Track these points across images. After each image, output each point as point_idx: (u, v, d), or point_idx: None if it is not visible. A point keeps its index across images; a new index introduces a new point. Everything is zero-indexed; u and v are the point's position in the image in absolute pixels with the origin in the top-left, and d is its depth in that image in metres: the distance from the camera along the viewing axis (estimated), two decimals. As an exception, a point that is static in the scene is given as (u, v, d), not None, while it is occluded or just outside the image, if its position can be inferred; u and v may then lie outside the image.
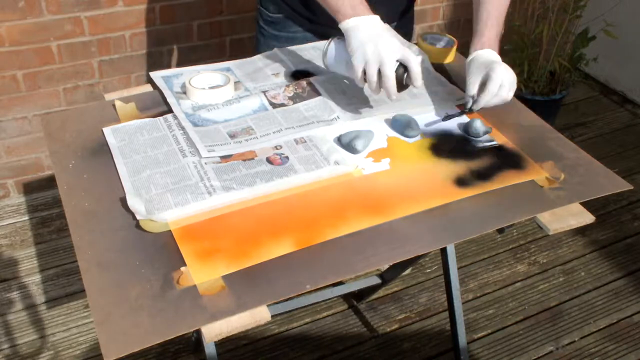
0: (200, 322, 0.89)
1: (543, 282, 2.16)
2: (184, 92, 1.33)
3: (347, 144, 1.20)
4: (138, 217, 1.03)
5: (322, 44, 1.48)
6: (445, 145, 1.24)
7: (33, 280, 2.08)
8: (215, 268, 0.96)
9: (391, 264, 1.77)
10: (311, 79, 1.36)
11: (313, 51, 1.48)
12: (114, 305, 0.91)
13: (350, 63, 1.20)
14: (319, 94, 1.33)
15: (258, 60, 1.46)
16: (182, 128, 1.23)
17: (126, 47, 2.23)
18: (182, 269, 0.96)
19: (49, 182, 2.38)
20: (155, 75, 1.39)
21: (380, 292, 2.07)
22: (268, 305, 0.92)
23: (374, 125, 1.27)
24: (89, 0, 2.09)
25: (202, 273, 0.95)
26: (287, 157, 1.17)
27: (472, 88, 1.26)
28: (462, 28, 2.72)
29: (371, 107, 1.31)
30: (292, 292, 0.95)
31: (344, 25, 1.21)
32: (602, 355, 1.92)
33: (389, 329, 1.99)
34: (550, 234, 1.10)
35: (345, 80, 1.35)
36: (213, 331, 0.89)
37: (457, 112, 1.29)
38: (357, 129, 1.24)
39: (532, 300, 2.09)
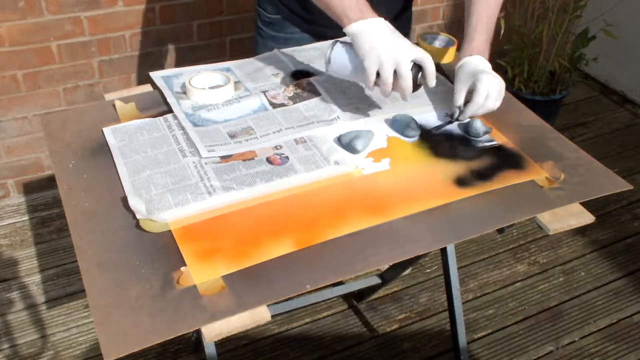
0: (200, 322, 0.89)
1: (543, 282, 2.16)
2: (184, 92, 1.33)
3: (347, 144, 1.20)
4: (138, 217, 1.03)
5: (321, 44, 1.49)
6: (445, 145, 1.24)
7: (33, 280, 2.08)
8: (215, 268, 0.96)
9: (391, 264, 1.77)
10: (311, 79, 1.36)
11: (313, 52, 1.48)
12: (114, 305, 0.91)
13: (359, 67, 1.19)
14: (319, 94, 1.33)
15: (258, 60, 1.46)
16: (182, 128, 1.23)
17: (126, 47, 2.23)
18: (182, 269, 0.96)
19: (49, 182, 2.38)
20: (155, 75, 1.39)
21: (380, 292, 2.07)
22: (268, 305, 0.92)
23: (374, 125, 1.27)
24: (89, 0, 2.09)
25: (202, 273, 0.95)
26: (287, 157, 1.17)
27: (459, 98, 1.26)
28: (462, 28, 2.72)
29: (371, 107, 1.31)
30: (292, 292, 0.95)
31: (350, 28, 1.19)
32: (602, 355, 1.92)
33: (389, 329, 1.99)
34: (550, 234, 1.10)
35: (343, 82, 1.34)
36: (213, 331, 0.89)
37: (446, 121, 1.29)
38: (357, 129, 1.24)
39: (532, 300, 2.09)
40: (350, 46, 1.22)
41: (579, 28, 2.67)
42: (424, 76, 1.20)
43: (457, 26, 2.76)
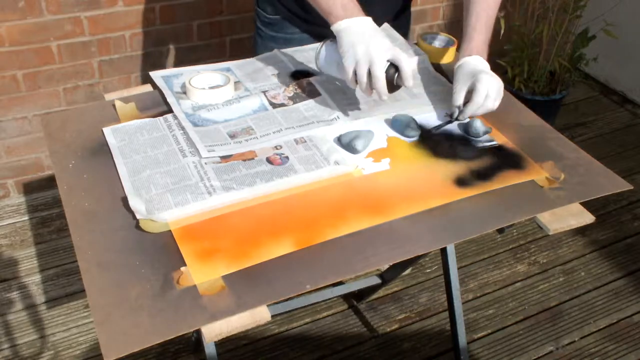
0: (200, 322, 0.89)
1: (543, 282, 2.16)
2: (184, 92, 1.33)
3: (347, 144, 1.20)
4: (138, 217, 1.03)
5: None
6: (445, 145, 1.24)
7: (33, 280, 2.08)
8: (215, 268, 0.96)
9: (391, 264, 1.77)
10: (311, 79, 1.36)
11: (312, 52, 1.48)
12: (114, 305, 0.91)
13: (342, 64, 1.20)
14: (319, 94, 1.32)
15: (258, 60, 1.46)
16: (182, 128, 1.23)
17: (126, 47, 2.23)
18: (182, 269, 0.96)
19: (49, 182, 2.38)
20: (155, 75, 1.39)
21: (380, 292, 2.07)
22: (268, 305, 0.92)
23: (374, 125, 1.27)
24: (89, 0, 2.09)
25: (202, 273, 0.95)
26: (287, 157, 1.17)
27: (459, 98, 1.27)
28: (462, 28, 2.72)
29: (371, 107, 1.31)
30: (292, 292, 0.95)
31: (336, 27, 1.21)
32: (602, 355, 1.92)
33: (389, 329, 1.99)
34: (550, 234, 1.10)
35: (337, 82, 1.34)
36: (213, 331, 0.89)
37: (445, 121, 1.29)
38: (357, 129, 1.24)
39: (532, 300, 2.09)
40: (336, 45, 1.23)
41: (579, 28, 2.67)
42: (400, 77, 1.20)
43: (457, 26, 2.75)
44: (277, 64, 1.43)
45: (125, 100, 1.32)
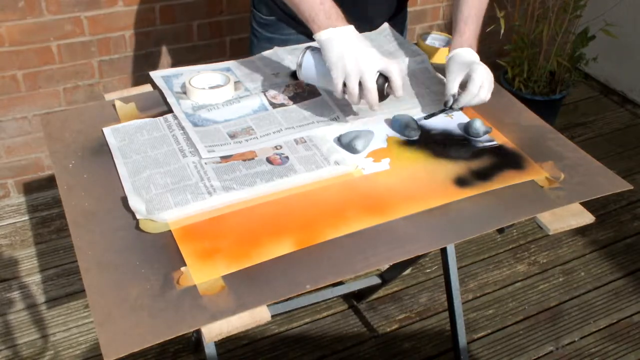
0: (200, 322, 0.89)
1: (543, 282, 2.16)
2: (184, 92, 1.33)
3: (347, 144, 1.20)
4: (138, 217, 1.03)
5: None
6: (445, 145, 1.24)
7: (33, 280, 2.08)
8: (216, 268, 0.96)
9: (391, 264, 1.77)
10: (311, 79, 1.36)
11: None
12: (114, 305, 0.91)
13: (328, 75, 1.19)
14: (319, 94, 1.32)
15: (258, 60, 1.46)
16: (182, 128, 1.23)
17: (126, 47, 2.24)
18: (182, 269, 0.96)
19: (49, 182, 2.38)
20: (155, 75, 1.39)
21: (380, 292, 2.07)
22: (268, 305, 0.92)
23: (374, 125, 1.27)
24: (89, 0, 2.09)
25: (202, 273, 0.95)
26: (287, 157, 1.17)
27: (453, 87, 1.27)
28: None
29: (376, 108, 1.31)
30: (292, 292, 0.95)
31: (319, 36, 1.19)
32: (602, 355, 1.92)
33: (389, 329, 1.99)
34: (550, 234, 1.10)
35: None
36: (213, 331, 0.89)
37: (439, 109, 1.30)
38: (357, 129, 1.24)
39: (532, 300, 2.09)
40: (320, 53, 1.21)
41: (578, 28, 2.67)
42: (390, 87, 1.19)
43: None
44: (277, 64, 1.43)
45: (125, 100, 1.32)
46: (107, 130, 1.23)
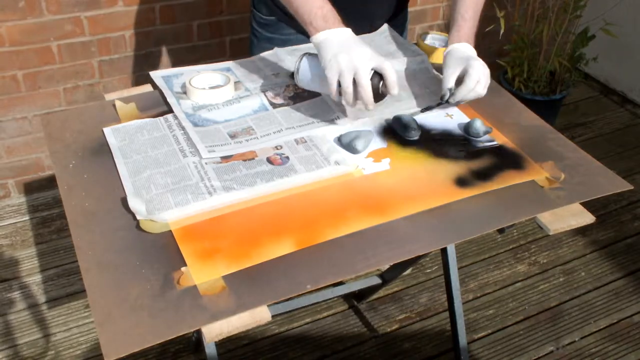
0: (201, 322, 0.89)
1: (543, 282, 2.16)
2: (184, 92, 1.33)
3: (347, 144, 1.20)
4: (138, 217, 1.03)
5: None
6: (445, 145, 1.24)
7: (34, 280, 2.08)
8: (216, 268, 0.96)
9: (391, 264, 1.77)
10: (311, 79, 1.36)
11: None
12: (114, 305, 0.91)
13: (324, 79, 1.18)
14: (319, 94, 1.32)
15: (258, 60, 1.46)
16: (183, 128, 1.23)
17: (126, 47, 2.24)
18: (183, 269, 0.96)
19: (49, 182, 2.38)
20: (156, 75, 1.39)
21: (381, 292, 2.07)
22: (268, 306, 0.92)
23: (374, 125, 1.28)
24: (89, 0, 2.09)
25: (202, 273, 0.96)
26: (287, 157, 1.17)
27: (450, 80, 1.27)
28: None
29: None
30: (293, 292, 0.95)
31: (316, 38, 1.20)
32: (602, 355, 1.92)
33: (389, 329, 1.99)
34: (550, 234, 1.10)
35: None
36: (213, 331, 0.89)
37: (434, 103, 1.30)
38: (357, 129, 1.24)
39: (532, 301, 2.09)
40: (316, 58, 1.21)
41: (578, 28, 2.67)
42: (385, 85, 1.19)
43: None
44: (277, 64, 1.43)
45: (126, 100, 1.32)
46: (107, 130, 1.23)
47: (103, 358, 0.84)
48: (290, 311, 1.98)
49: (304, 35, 1.53)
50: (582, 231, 2.32)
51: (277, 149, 1.19)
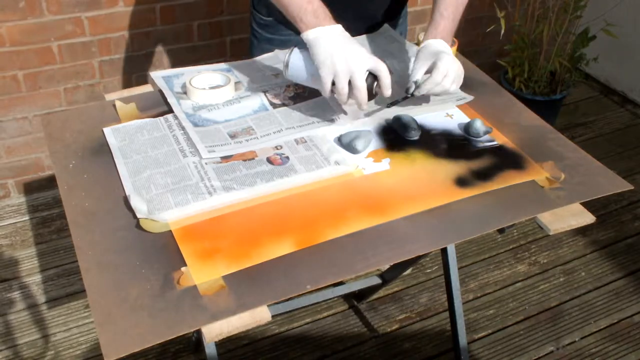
0: (201, 322, 0.89)
1: (543, 282, 2.16)
2: (185, 92, 1.33)
3: (347, 144, 1.20)
4: (139, 216, 1.03)
5: None
6: (446, 145, 1.24)
7: (33, 280, 2.08)
8: (216, 268, 0.96)
9: (391, 264, 1.77)
10: (311, 79, 1.36)
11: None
12: (114, 305, 0.91)
13: (316, 74, 1.18)
14: (319, 94, 1.32)
15: (258, 60, 1.46)
16: (183, 128, 1.23)
17: (126, 47, 2.24)
18: (183, 269, 0.96)
19: (49, 182, 2.38)
20: (156, 75, 1.39)
21: (381, 292, 2.07)
22: (268, 306, 0.92)
23: (374, 125, 1.27)
24: (89, 1, 2.09)
25: (202, 273, 0.96)
26: (287, 157, 1.17)
27: (417, 73, 1.26)
28: (462, 28, 2.73)
29: (371, 106, 1.31)
30: (293, 292, 0.95)
31: (307, 35, 1.19)
32: (602, 355, 1.92)
33: (389, 329, 1.99)
34: (550, 234, 1.10)
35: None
36: (213, 331, 0.89)
37: (400, 97, 1.30)
38: (357, 129, 1.24)
39: (532, 301, 2.09)
40: (307, 52, 1.21)
41: (579, 28, 2.67)
42: (379, 86, 1.19)
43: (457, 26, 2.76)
44: (278, 65, 1.43)
45: (126, 100, 1.32)
46: (107, 130, 1.23)
47: (103, 358, 0.84)
48: (290, 311, 1.98)
49: None
50: (582, 231, 2.32)
51: (277, 149, 1.19)
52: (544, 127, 1.32)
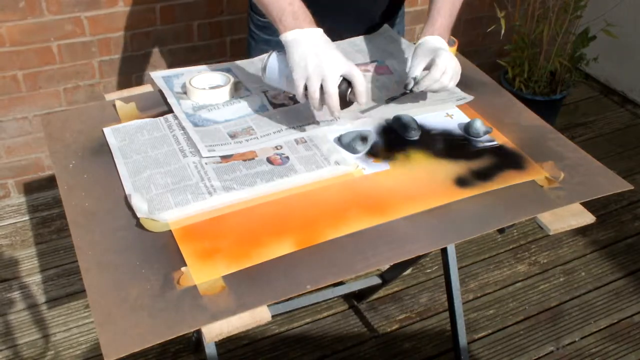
0: (201, 322, 0.89)
1: (543, 282, 2.16)
2: (185, 92, 1.33)
3: (347, 144, 1.20)
4: (139, 215, 1.03)
5: None
6: (446, 145, 1.24)
7: (34, 280, 2.08)
8: (216, 268, 0.96)
9: (391, 264, 1.77)
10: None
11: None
12: (114, 305, 0.91)
13: (290, 78, 1.16)
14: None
15: (258, 61, 1.46)
16: (183, 128, 1.23)
17: (126, 47, 2.24)
18: (183, 269, 0.96)
19: (49, 182, 2.38)
20: (156, 75, 1.39)
21: (381, 292, 2.07)
22: (268, 306, 0.92)
23: (374, 125, 1.27)
24: (89, 1, 2.09)
25: (202, 273, 0.96)
26: (287, 157, 1.17)
27: (416, 70, 1.27)
28: (462, 28, 2.73)
29: (371, 107, 1.31)
30: (293, 292, 0.95)
31: (284, 37, 1.16)
32: (602, 355, 1.92)
33: (389, 329, 1.99)
34: (550, 234, 1.10)
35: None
36: (213, 331, 0.89)
37: (399, 93, 1.30)
38: (357, 129, 1.24)
39: (532, 301, 2.09)
40: (285, 57, 1.18)
41: (579, 28, 2.67)
42: (353, 93, 1.16)
43: (457, 26, 2.75)
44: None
45: (126, 100, 1.32)
46: (107, 130, 1.23)
47: (103, 358, 0.84)
48: (290, 311, 1.98)
49: None
50: (582, 231, 2.32)
51: (277, 149, 1.19)
52: (544, 127, 1.32)
